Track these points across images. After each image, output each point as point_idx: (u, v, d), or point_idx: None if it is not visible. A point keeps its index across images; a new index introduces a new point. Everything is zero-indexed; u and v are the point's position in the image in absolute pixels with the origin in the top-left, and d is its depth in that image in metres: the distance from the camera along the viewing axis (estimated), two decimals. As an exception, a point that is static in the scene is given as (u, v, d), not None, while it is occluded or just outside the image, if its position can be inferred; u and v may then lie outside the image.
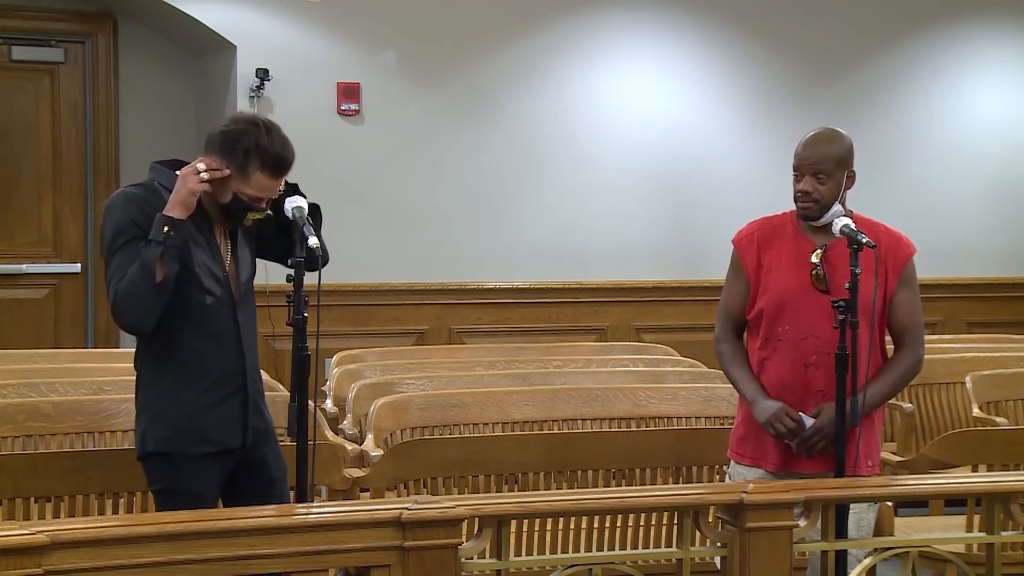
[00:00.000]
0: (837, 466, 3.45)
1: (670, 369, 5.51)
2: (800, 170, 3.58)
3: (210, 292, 3.31)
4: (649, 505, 3.57)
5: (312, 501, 3.45)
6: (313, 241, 3.24)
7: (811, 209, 3.57)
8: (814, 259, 3.58)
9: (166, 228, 3.17)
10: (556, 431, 4.52)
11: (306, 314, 3.22)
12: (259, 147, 3.26)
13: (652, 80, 7.47)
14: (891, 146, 7.65)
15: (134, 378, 3.42)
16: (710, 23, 7.55)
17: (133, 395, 3.42)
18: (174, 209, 3.21)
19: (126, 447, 4.03)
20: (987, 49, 7.99)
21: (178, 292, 3.23)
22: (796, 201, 3.61)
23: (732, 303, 3.69)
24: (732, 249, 3.71)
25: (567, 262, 7.33)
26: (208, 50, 7.31)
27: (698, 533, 3.14)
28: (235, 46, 6.87)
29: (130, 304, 3.19)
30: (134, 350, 3.43)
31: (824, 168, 3.56)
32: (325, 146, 6.96)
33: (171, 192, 3.25)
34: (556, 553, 3.79)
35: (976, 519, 3.77)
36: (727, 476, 3.78)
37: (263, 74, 6.78)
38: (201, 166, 3.25)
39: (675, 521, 3.17)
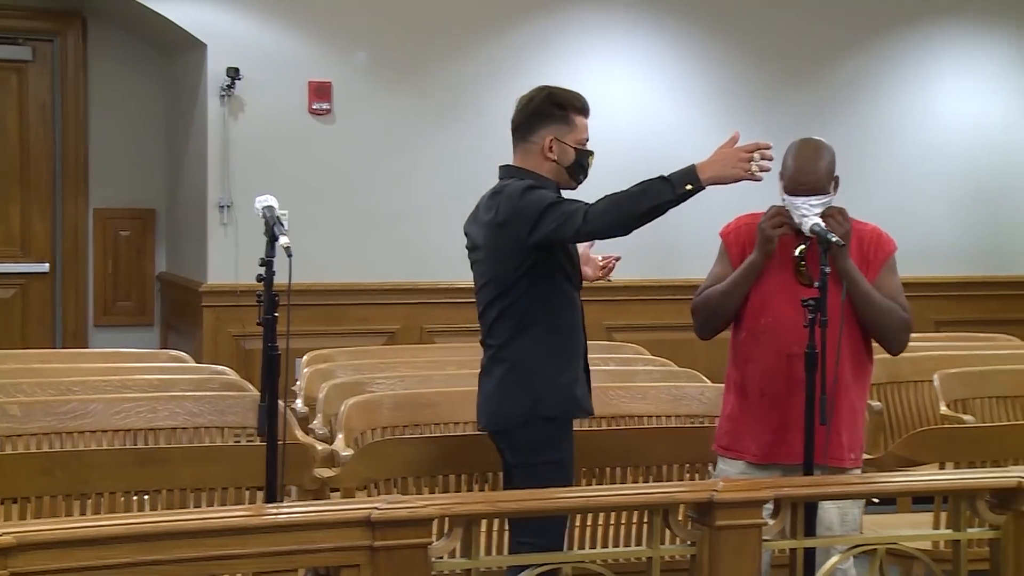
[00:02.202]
0: (805, 464, 3.47)
1: (640, 368, 5.52)
2: (794, 192, 3.60)
3: (576, 284, 3.75)
4: (619, 504, 3.59)
5: (282, 501, 3.44)
6: (284, 240, 3.25)
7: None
8: (797, 254, 3.63)
9: (689, 187, 3.44)
10: (527, 430, 4.51)
11: (276, 313, 3.22)
12: (568, 97, 3.77)
13: (623, 79, 7.47)
14: (861, 145, 7.68)
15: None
16: (682, 22, 7.56)
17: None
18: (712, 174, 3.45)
19: (93, 447, 4.02)
20: (957, 49, 8.03)
21: (556, 283, 3.66)
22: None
23: (717, 282, 3.73)
24: (719, 242, 3.79)
25: (538, 261, 7.31)
26: (178, 49, 7.27)
27: (668, 532, 3.15)
28: (205, 45, 6.84)
29: (608, 216, 3.61)
30: (492, 334, 3.71)
31: (819, 188, 3.59)
32: (296, 145, 6.93)
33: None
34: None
35: (943, 516, 3.80)
36: (716, 473, 3.81)
37: (234, 73, 6.74)
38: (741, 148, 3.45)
39: (645, 520, 3.18)
